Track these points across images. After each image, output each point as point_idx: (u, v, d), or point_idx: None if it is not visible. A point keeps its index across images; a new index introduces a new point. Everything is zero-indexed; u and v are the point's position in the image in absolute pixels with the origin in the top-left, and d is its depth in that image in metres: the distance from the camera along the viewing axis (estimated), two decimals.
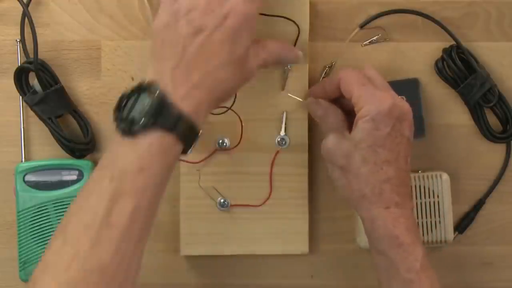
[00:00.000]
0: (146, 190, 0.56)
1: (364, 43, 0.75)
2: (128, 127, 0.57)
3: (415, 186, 0.74)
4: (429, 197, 0.74)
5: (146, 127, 0.56)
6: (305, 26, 0.73)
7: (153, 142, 0.57)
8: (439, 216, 0.74)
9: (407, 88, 0.75)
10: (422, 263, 0.64)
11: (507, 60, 0.75)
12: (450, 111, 0.76)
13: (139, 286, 0.58)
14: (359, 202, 0.66)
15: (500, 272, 0.77)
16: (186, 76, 0.58)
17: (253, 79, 0.63)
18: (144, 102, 0.57)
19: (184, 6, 0.60)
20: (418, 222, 0.74)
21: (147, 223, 0.57)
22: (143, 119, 0.56)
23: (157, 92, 0.57)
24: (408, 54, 0.75)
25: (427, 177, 0.74)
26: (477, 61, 0.74)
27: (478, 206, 0.76)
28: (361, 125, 0.65)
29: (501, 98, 0.74)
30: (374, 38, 0.75)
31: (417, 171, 0.75)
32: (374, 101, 0.65)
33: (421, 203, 0.74)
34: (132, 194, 0.56)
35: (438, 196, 0.74)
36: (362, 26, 0.74)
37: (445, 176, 0.74)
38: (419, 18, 0.74)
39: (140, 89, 0.58)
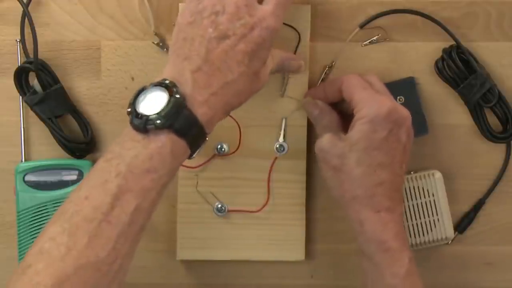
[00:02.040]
0: (150, 191, 0.56)
1: (364, 43, 0.75)
2: (142, 124, 0.56)
3: (409, 187, 0.74)
4: (424, 197, 0.74)
5: (160, 128, 0.56)
6: (306, 32, 0.73)
7: (164, 144, 0.56)
8: (437, 215, 0.74)
9: (403, 88, 0.75)
10: (408, 269, 0.64)
11: (507, 60, 0.75)
12: (450, 111, 0.76)
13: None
14: (350, 203, 0.66)
15: (500, 272, 0.77)
16: (206, 81, 0.58)
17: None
18: (163, 102, 0.56)
19: (210, 7, 0.59)
20: (416, 223, 0.74)
21: (144, 225, 0.57)
22: (159, 119, 0.56)
23: (177, 93, 0.56)
24: (408, 54, 0.75)
25: (420, 177, 0.74)
26: (477, 61, 0.74)
27: (478, 206, 0.76)
28: (359, 127, 0.65)
29: (501, 98, 0.74)
30: (374, 38, 0.75)
31: (410, 173, 0.75)
32: (373, 104, 0.65)
33: (417, 204, 0.74)
34: (136, 194, 0.55)
35: (433, 195, 0.74)
36: (362, 26, 0.74)
37: (437, 175, 0.74)
38: (419, 18, 0.74)
39: (160, 86, 0.57)
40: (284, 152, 0.74)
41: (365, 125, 0.65)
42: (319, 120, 0.70)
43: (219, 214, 0.74)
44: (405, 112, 0.66)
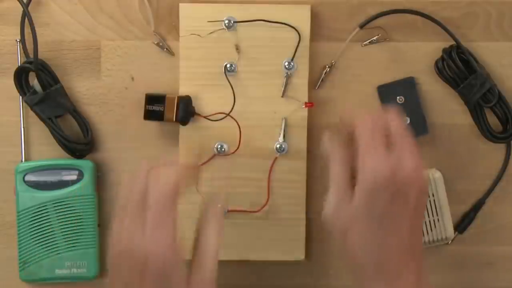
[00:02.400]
0: None
1: (364, 43, 0.75)
2: None
3: None
4: None
5: None
6: (306, 32, 0.73)
7: None
8: (437, 214, 0.74)
9: (403, 88, 0.75)
10: None
11: (507, 60, 0.75)
12: (450, 111, 0.76)
13: None
14: (357, 272, 0.61)
15: (500, 272, 0.77)
16: None
17: None
18: None
19: None
20: None
21: None
22: None
23: None
24: (408, 54, 0.75)
25: None
26: (477, 61, 0.74)
27: (478, 206, 0.76)
28: (358, 194, 0.60)
29: (501, 98, 0.74)
30: (374, 38, 0.75)
31: None
32: (372, 169, 0.59)
33: None
34: None
35: (433, 195, 0.74)
36: (362, 26, 0.74)
37: (437, 174, 0.74)
38: (419, 18, 0.74)
39: None
40: (284, 152, 0.74)
41: (364, 192, 0.59)
42: (330, 168, 0.62)
43: None
44: (412, 174, 0.59)
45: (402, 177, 0.59)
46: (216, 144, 0.74)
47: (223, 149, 0.74)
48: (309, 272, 0.77)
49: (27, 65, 0.72)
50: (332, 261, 0.77)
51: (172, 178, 0.58)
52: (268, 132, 0.74)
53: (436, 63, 0.75)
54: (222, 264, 0.76)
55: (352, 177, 0.61)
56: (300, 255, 0.75)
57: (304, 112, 0.74)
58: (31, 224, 0.73)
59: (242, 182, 0.74)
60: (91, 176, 0.74)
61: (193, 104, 0.73)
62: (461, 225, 0.76)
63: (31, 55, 0.72)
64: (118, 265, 0.58)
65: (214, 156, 0.74)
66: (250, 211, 0.74)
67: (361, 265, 0.61)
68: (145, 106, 0.73)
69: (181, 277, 0.57)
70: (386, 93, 0.75)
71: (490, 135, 0.75)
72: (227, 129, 0.73)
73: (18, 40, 0.74)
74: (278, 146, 0.74)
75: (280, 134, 0.74)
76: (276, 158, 0.74)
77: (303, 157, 0.74)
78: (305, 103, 0.74)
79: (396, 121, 0.62)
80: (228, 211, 0.74)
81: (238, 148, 0.74)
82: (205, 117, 0.73)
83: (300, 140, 0.74)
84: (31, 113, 0.74)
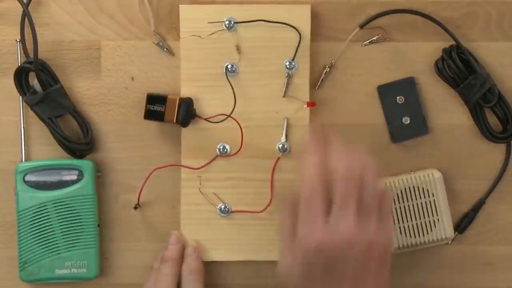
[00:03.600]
0: None
1: (364, 43, 0.75)
2: None
3: (409, 187, 0.74)
4: (424, 197, 0.74)
5: None
6: (307, 32, 0.73)
7: None
8: (437, 215, 0.74)
9: (403, 88, 0.75)
10: None
11: (507, 60, 0.75)
12: (450, 111, 0.76)
13: None
14: None
15: (500, 272, 0.77)
16: None
17: None
18: None
19: None
20: (416, 223, 0.74)
21: None
22: None
23: None
24: (408, 54, 0.75)
25: (420, 177, 0.74)
26: (477, 61, 0.74)
27: (478, 206, 0.76)
28: (293, 262, 0.58)
29: (501, 98, 0.74)
30: (374, 38, 0.75)
31: (409, 172, 0.75)
32: (302, 236, 0.56)
33: (417, 204, 0.74)
34: None
35: (433, 195, 0.74)
36: (362, 26, 0.74)
37: (437, 174, 0.74)
38: (419, 18, 0.74)
39: None
40: (286, 152, 0.74)
41: (296, 262, 0.57)
42: (280, 226, 0.61)
43: (223, 215, 0.74)
44: (344, 243, 0.55)
45: (332, 249, 0.55)
46: (219, 145, 0.74)
47: (225, 150, 0.74)
48: None
49: (27, 65, 0.72)
50: None
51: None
52: (270, 132, 0.74)
53: (436, 63, 0.75)
54: (227, 264, 0.76)
55: None
56: None
57: (306, 111, 0.74)
58: (31, 224, 0.73)
59: (245, 182, 0.74)
60: (91, 176, 0.73)
61: (195, 105, 0.73)
62: (461, 225, 0.76)
63: (31, 55, 0.72)
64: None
65: (216, 157, 0.74)
66: (254, 212, 0.74)
67: None
68: (146, 106, 0.73)
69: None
70: (386, 93, 0.75)
71: (490, 135, 0.75)
72: (229, 130, 0.73)
73: (18, 40, 0.74)
74: (280, 146, 0.74)
75: (282, 134, 0.74)
76: (278, 158, 0.74)
77: None
78: (307, 102, 0.74)
79: (342, 161, 0.58)
80: (232, 212, 0.74)
81: (240, 148, 0.74)
82: (206, 119, 0.73)
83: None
84: (31, 113, 0.74)
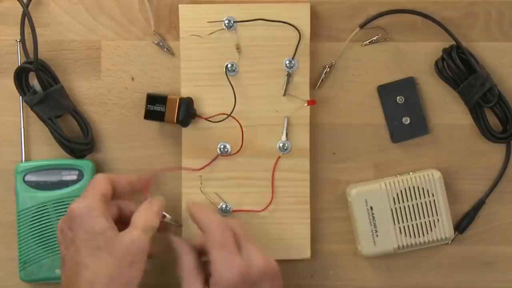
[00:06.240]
0: None
1: (364, 43, 0.75)
2: None
3: (409, 187, 0.74)
4: (424, 197, 0.74)
5: None
6: (306, 30, 0.73)
7: None
8: (437, 215, 0.74)
9: (403, 88, 0.75)
10: None
11: (507, 60, 0.76)
12: (450, 111, 0.76)
13: None
14: None
15: (500, 272, 0.77)
16: None
17: None
18: None
19: None
20: (416, 223, 0.74)
21: None
22: None
23: None
24: (408, 54, 0.75)
25: (420, 177, 0.74)
26: (477, 61, 0.74)
27: (478, 206, 0.76)
28: None
29: (501, 98, 0.74)
30: (374, 38, 0.75)
31: (409, 173, 0.75)
32: (224, 269, 0.63)
33: (417, 204, 0.74)
34: None
35: (433, 195, 0.74)
36: (362, 26, 0.74)
37: (437, 175, 0.74)
38: (419, 18, 0.74)
39: None
40: (287, 151, 0.74)
41: None
42: (177, 260, 0.67)
43: (224, 214, 0.74)
44: (259, 271, 0.64)
45: (252, 278, 0.63)
46: (219, 145, 0.74)
47: (226, 150, 0.74)
48: (313, 271, 0.77)
49: (27, 65, 0.72)
50: (332, 261, 0.77)
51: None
52: (270, 131, 0.74)
53: (436, 63, 0.75)
54: None
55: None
56: (306, 253, 0.75)
57: (306, 110, 0.74)
58: (31, 224, 0.73)
59: (246, 182, 0.74)
60: (91, 176, 0.73)
61: (195, 105, 0.73)
62: (461, 225, 0.76)
63: (31, 55, 0.72)
64: None
65: (217, 156, 0.74)
66: (255, 211, 0.74)
67: None
68: (146, 106, 0.73)
69: None
70: (386, 93, 0.75)
71: (490, 135, 0.75)
72: (229, 129, 0.73)
73: (18, 40, 0.74)
74: (281, 145, 0.74)
75: (282, 133, 0.74)
76: (279, 157, 0.74)
77: (306, 155, 0.74)
78: (308, 101, 0.74)
79: (236, 226, 0.67)
80: (233, 211, 0.74)
81: (241, 148, 0.74)
82: (206, 118, 0.73)
83: (302, 139, 0.74)
84: (31, 113, 0.74)
